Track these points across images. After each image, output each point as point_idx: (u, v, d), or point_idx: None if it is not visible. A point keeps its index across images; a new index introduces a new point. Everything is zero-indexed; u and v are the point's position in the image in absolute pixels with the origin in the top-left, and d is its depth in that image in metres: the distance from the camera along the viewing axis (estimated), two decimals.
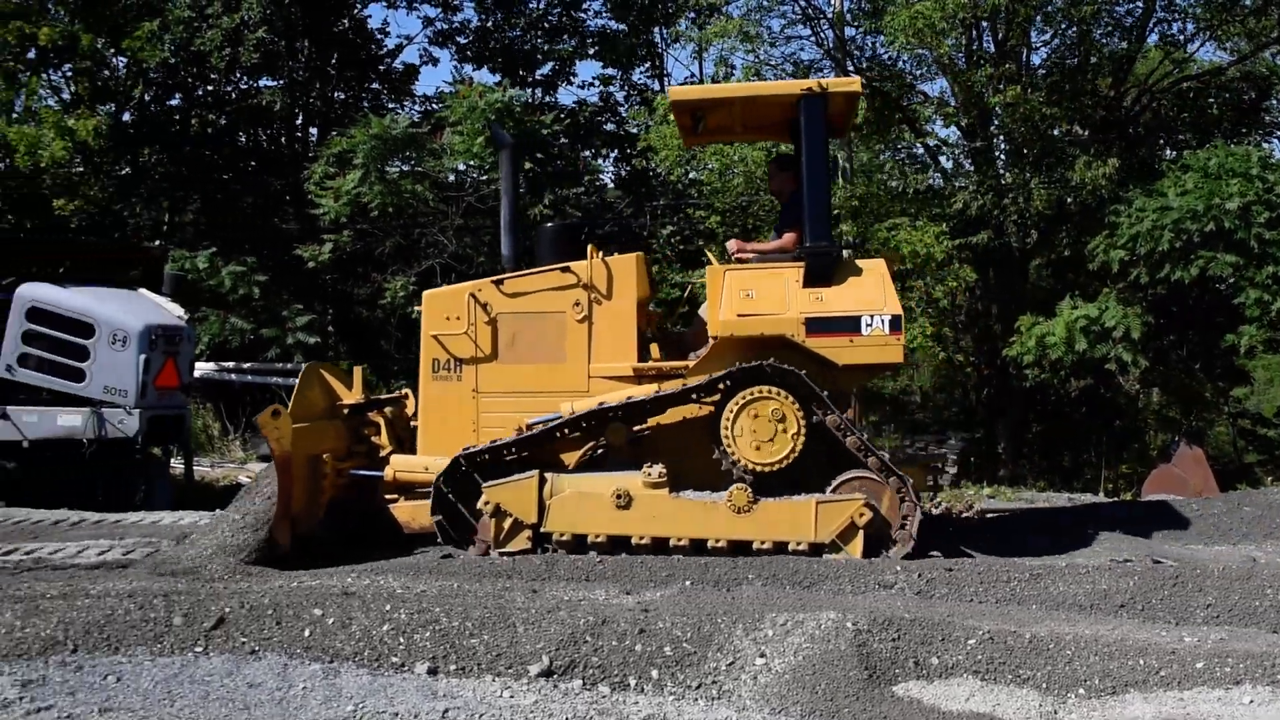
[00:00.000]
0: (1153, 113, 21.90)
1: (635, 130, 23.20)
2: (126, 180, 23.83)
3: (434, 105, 24.93)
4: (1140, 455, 21.13)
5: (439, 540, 8.74)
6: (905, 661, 5.65)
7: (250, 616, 6.39)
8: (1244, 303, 15.37)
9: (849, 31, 21.48)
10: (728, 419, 8.37)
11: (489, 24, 25.48)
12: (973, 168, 21.05)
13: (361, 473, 9.42)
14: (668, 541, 8.29)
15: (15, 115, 22.86)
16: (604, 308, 9.08)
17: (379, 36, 26.15)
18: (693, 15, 23.12)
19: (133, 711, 5.31)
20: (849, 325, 8.42)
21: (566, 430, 8.77)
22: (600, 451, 8.85)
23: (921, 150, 22.96)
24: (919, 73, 21.93)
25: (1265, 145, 21.09)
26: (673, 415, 8.86)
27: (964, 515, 12.33)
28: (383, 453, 9.62)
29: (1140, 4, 20.62)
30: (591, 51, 25.40)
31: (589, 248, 9.16)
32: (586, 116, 23.88)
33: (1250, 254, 15.09)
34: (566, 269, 9.14)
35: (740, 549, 8.22)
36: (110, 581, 7.65)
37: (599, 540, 8.38)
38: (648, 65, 26.33)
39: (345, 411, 9.66)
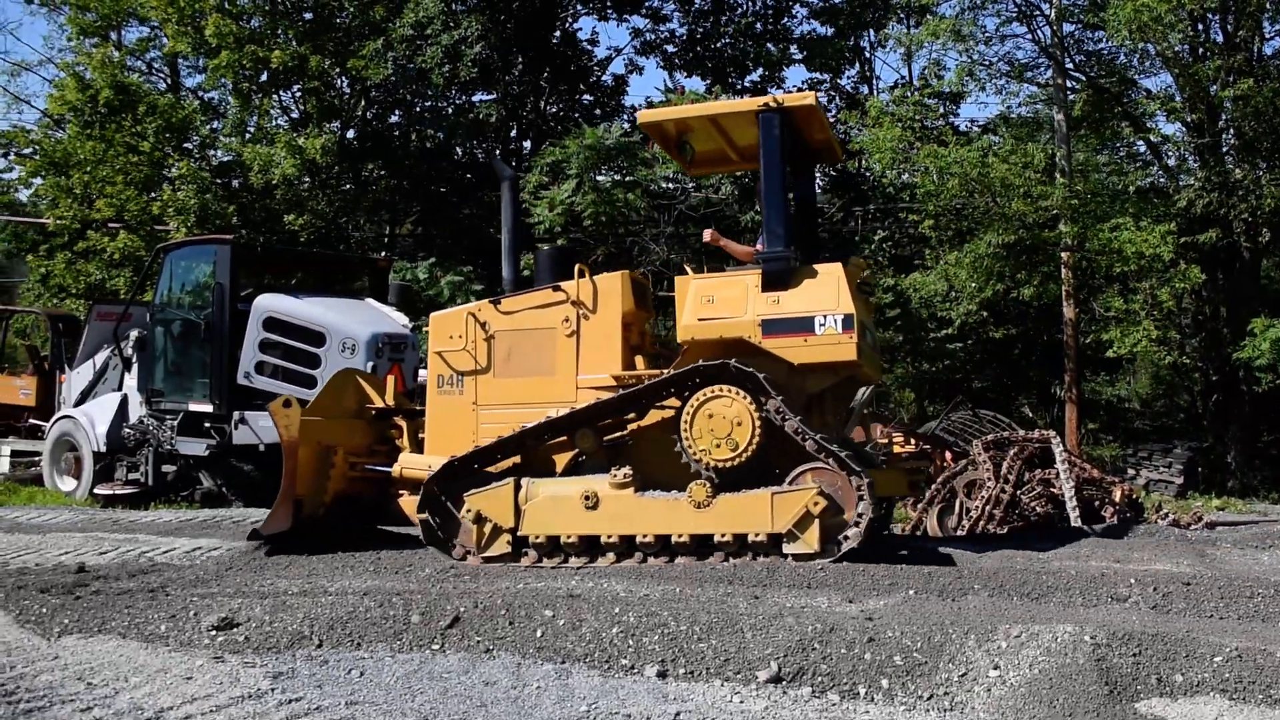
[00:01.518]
0: None
1: (847, 134, 23.02)
2: (350, 195, 24.84)
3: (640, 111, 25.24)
4: None
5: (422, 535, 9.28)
6: (1147, 678, 5.46)
7: (484, 616, 6.61)
8: None
9: (1067, 27, 20.87)
10: (686, 418, 8.65)
11: (697, 32, 25.66)
12: (1198, 164, 20.19)
13: (375, 468, 10.13)
14: (634, 539, 8.64)
15: (249, 134, 24.12)
16: (590, 322, 9.51)
17: (588, 48, 26.63)
18: (902, 16, 22.84)
19: (376, 705, 5.53)
20: (803, 325, 8.76)
21: (545, 437, 9.21)
22: (583, 458, 9.23)
23: (1143, 147, 22.14)
24: (1141, 67, 21.16)
25: None
26: (646, 421, 9.22)
27: (1192, 527, 11.87)
28: (402, 453, 10.33)
29: None
30: (799, 57, 25.34)
31: (577, 267, 9.57)
32: None
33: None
34: (557, 288, 9.61)
35: (703, 543, 8.54)
36: (345, 580, 8.03)
37: (571, 540, 8.77)
38: (856, 69, 26.11)
39: (373, 414, 10.40)
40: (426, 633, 6.53)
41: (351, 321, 13.67)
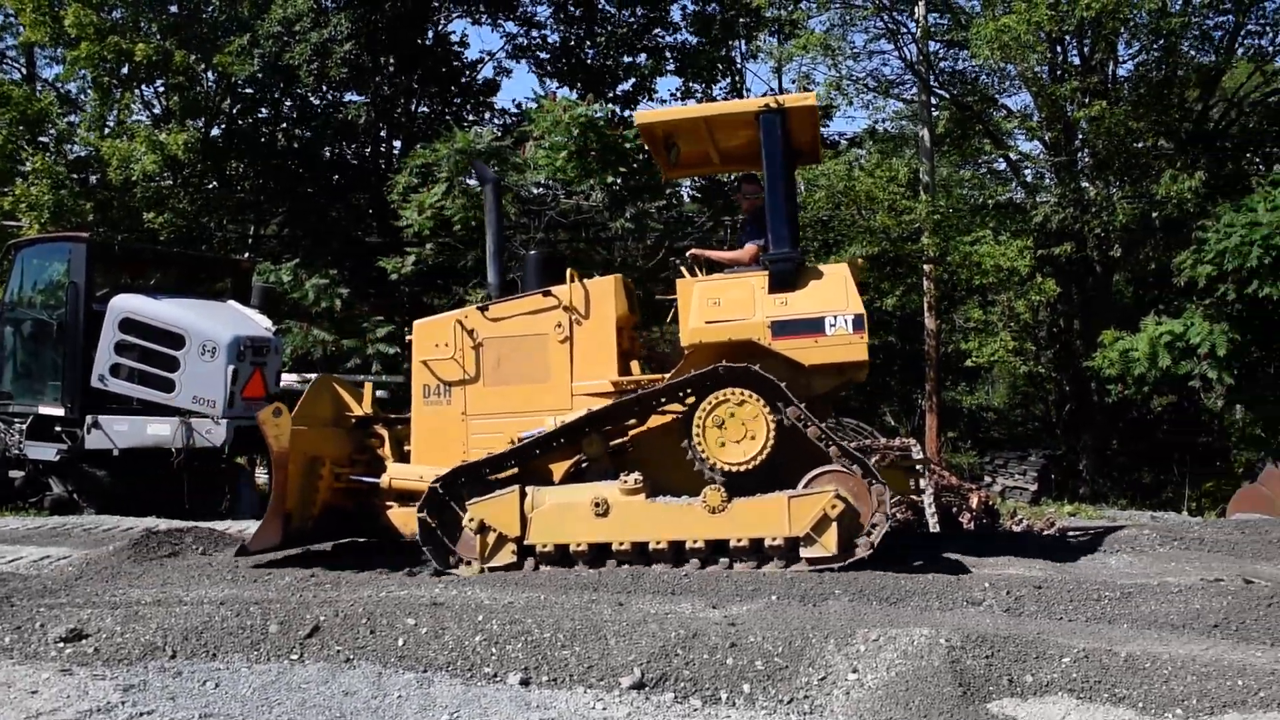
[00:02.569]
0: (1241, 126, 21.56)
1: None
2: (214, 194, 24.29)
3: (512, 118, 25.14)
4: (1225, 474, 20.79)
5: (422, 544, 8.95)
6: (999, 679, 5.61)
7: (344, 625, 6.51)
8: None
9: (932, 45, 21.37)
10: (698, 422, 8.53)
11: (570, 40, 25.68)
12: (1055, 181, 20.85)
13: (360, 478, 9.75)
14: (647, 546, 8.49)
15: (108, 130, 23.43)
16: (584, 328, 9.34)
17: (460, 51, 26.44)
18: (774, 29, 23.15)
19: (231, 717, 5.42)
20: (813, 326, 8.62)
21: (546, 445, 8.99)
22: (584, 465, 9.07)
23: (1003, 164, 22.78)
24: (1002, 86, 21.78)
25: None
26: (651, 425, 9.11)
27: (1044, 533, 12.21)
28: (385, 463, 9.96)
29: (1230, 17, 20.30)
30: (671, 67, 25.52)
31: (568, 272, 9.42)
32: None
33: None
34: (548, 293, 9.43)
35: (718, 548, 8.43)
36: (202, 589, 7.83)
37: (580, 549, 8.57)
38: (727, 81, 26.36)
39: (352, 422, 10.03)
40: (285, 642, 6.41)
41: (212, 324, 13.36)
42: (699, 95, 25.92)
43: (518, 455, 8.94)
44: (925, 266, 19.98)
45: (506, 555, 8.69)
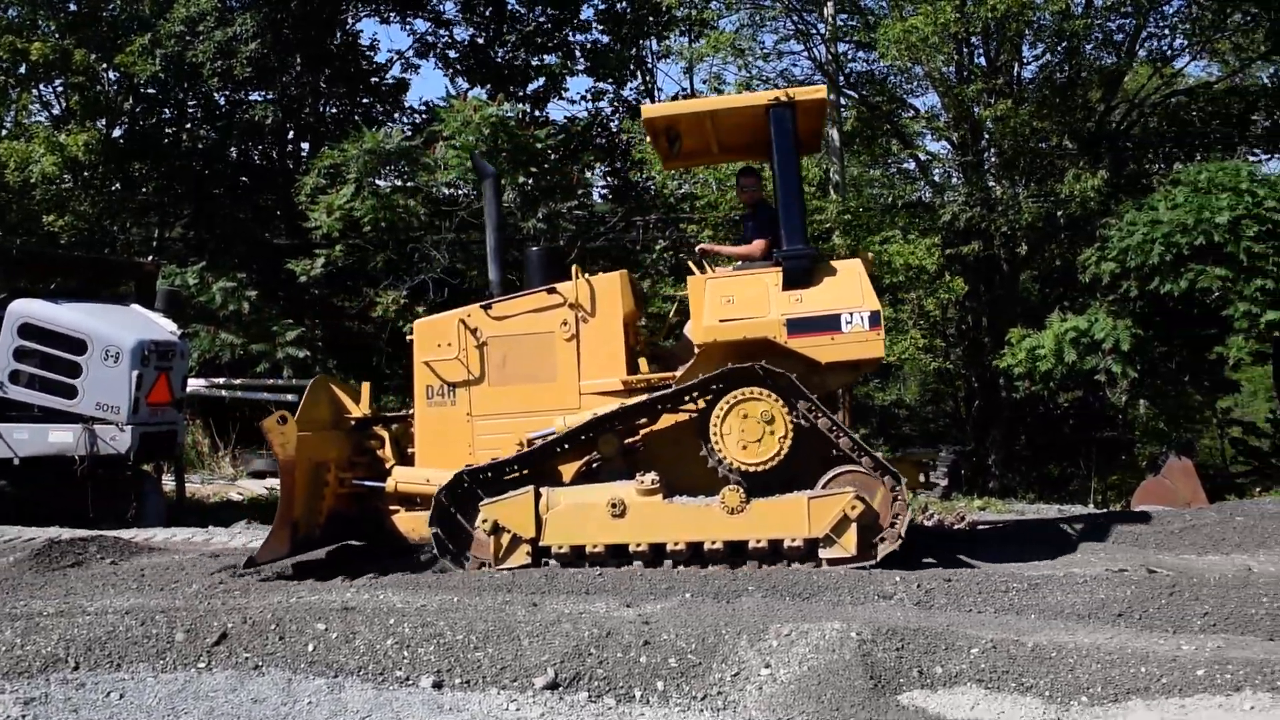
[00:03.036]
0: (1142, 127, 22.05)
1: (628, 143, 23.26)
2: (117, 195, 23.79)
3: (421, 117, 24.93)
4: (1130, 466, 21.23)
5: (435, 551, 8.81)
6: (909, 671, 5.67)
7: (253, 632, 6.40)
8: (1232, 315, 15.46)
9: (841, 46, 21.58)
10: (716, 421, 8.44)
11: (479, 39, 25.53)
12: (962, 181, 21.16)
13: (364, 483, 9.57)
14: (664, 547, 8.39)
15: (6, 130, 22.85)
16: (590, 325, 9.20)
17: (369, 53, 26.18)
18: (684, 29, 23.22)
19: None
20: (829, 324, 8.58)
21: (565, 445, 8.83)
22: (595, 465, 8.96)
23: (912, 164, 23.09)
24: (910, 87, 22.05)
25: (1252, 159, 21.21)
26: (664, 424, 8.98)
27: (955, 527, 12.36)
28: (386, 465, 9.72)
29: (1130, 20, 20.75)
30: (582, 67, 25.47)
31: (574, 268, 9.32)
32: (578, 131, 23.94)
33: (1239, 267, 15.19)
34: (552, 290, 9.29)
35: (736, 549, 8.34)
36: (107, 598, 7.66)
37: (597, 550, 8.45)
38: (639, 80, 26.40)
39: (352, 424, 9.78)
40: (192, 651, 6.30)
41: (115, 328, 13.04)
42: (610, 95, 25.93)
43: (532, 456, 8.81)
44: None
45: (521, 557, 8.57)
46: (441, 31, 26.17)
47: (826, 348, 8.59)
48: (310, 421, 9.13)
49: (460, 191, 19.44)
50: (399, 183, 19.09)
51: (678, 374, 8.98)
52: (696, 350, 8.87)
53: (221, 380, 19.44)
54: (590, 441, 8.86)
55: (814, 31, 21.17)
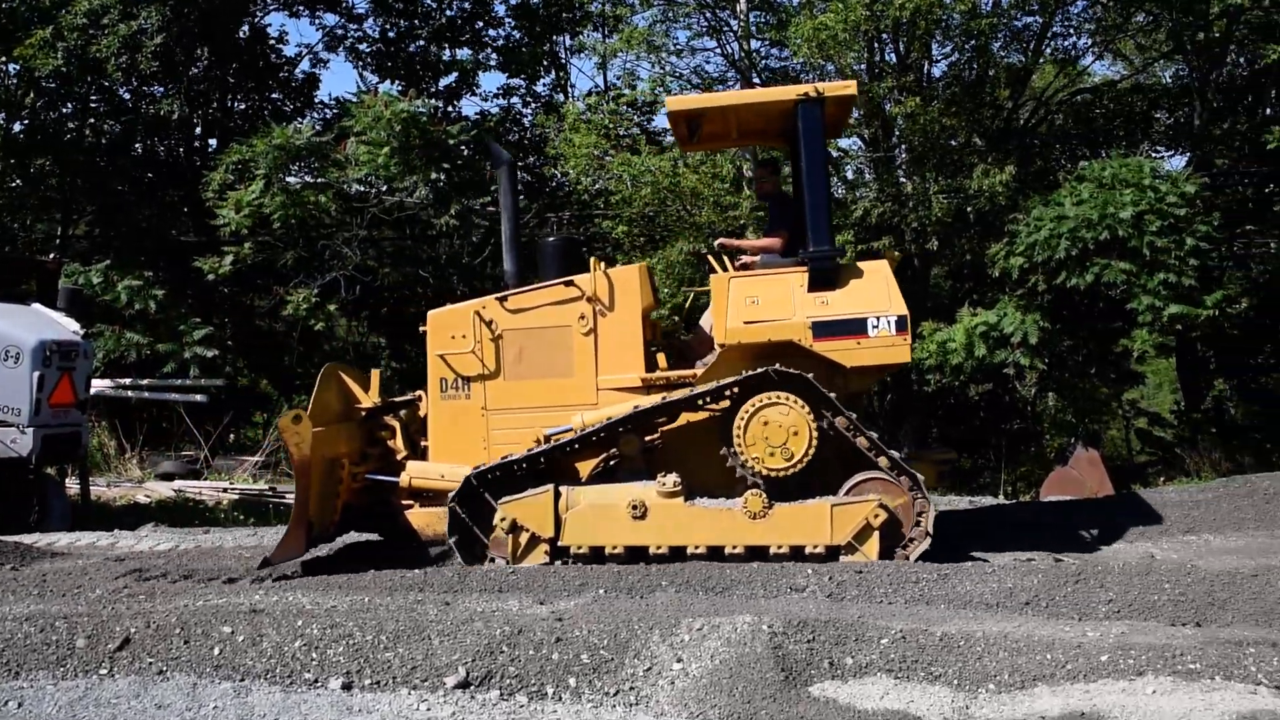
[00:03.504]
0: (1049, 124, 22.41)
1: (542, 139, 23.17)
2: (18, 192, 23.19)
3: (331, 112, 24.61)
4: (1038, 458, 21.55)
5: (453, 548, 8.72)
6: (820, 662, 5.70)
7: (157, 637, 6.27)
8: (1136, 308, 15.77)
9: (754, 43, 21.67)
10: (740, 425, 8.40)
11: (390, 33, 25.25)
12: (874, 177, 21.34)
13: (378, 477, 9.43)
14: (685, 550, 8.34)
15: None
16: (609, 319, 9.08)
17: (278, 46, 25.76)
18: (598, 22, 23.18)
19: None
20: (855, 327, 8.52)
21: (579, 443, 8.77)
22: (612, 463, 8.91)
23: None
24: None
25: (1155, 156, 21.65)
26: (682, 423, 8.93)
27: None
28: (398, 457, 9.60)
29: (1037, 20, 21.07)
30: (494, 62, 25.29)
31: (592, 260, 9.22)
32: (491, 126, 23.79)
33: (1143, 261, 15.49)
34: (570, 283, 9.16)
35: (757, 554, 8.29)
36: (5, 605, 7.46)
37: (616, 551, 8.41)
38: (552, 76, 26.28)
39: (363, 414, 9.66)
40: (93, 657, 6.16)
41: (15, 328, 12.72)
42: (522, 91, 25.77)
43: (550, 453, 8.73)
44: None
45: (539, 556, 8.49)
46: (352, 26, 25.85)
47: (853, 351, 8.54)
48: (322, 414, 8.97)
49: (372, 189, 19.22)
50: (309, 179, 18.82)
51: (697, 372, 8.96)
52: (718, 349, 8.80)
53: (128, 381, 19.02)
54: (609, 440, 8.80)
55: (726, 28, 21.25)
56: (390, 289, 20.18)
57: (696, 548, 8.30)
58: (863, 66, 20.35)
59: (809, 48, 17.54)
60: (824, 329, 8.53)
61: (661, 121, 21.13)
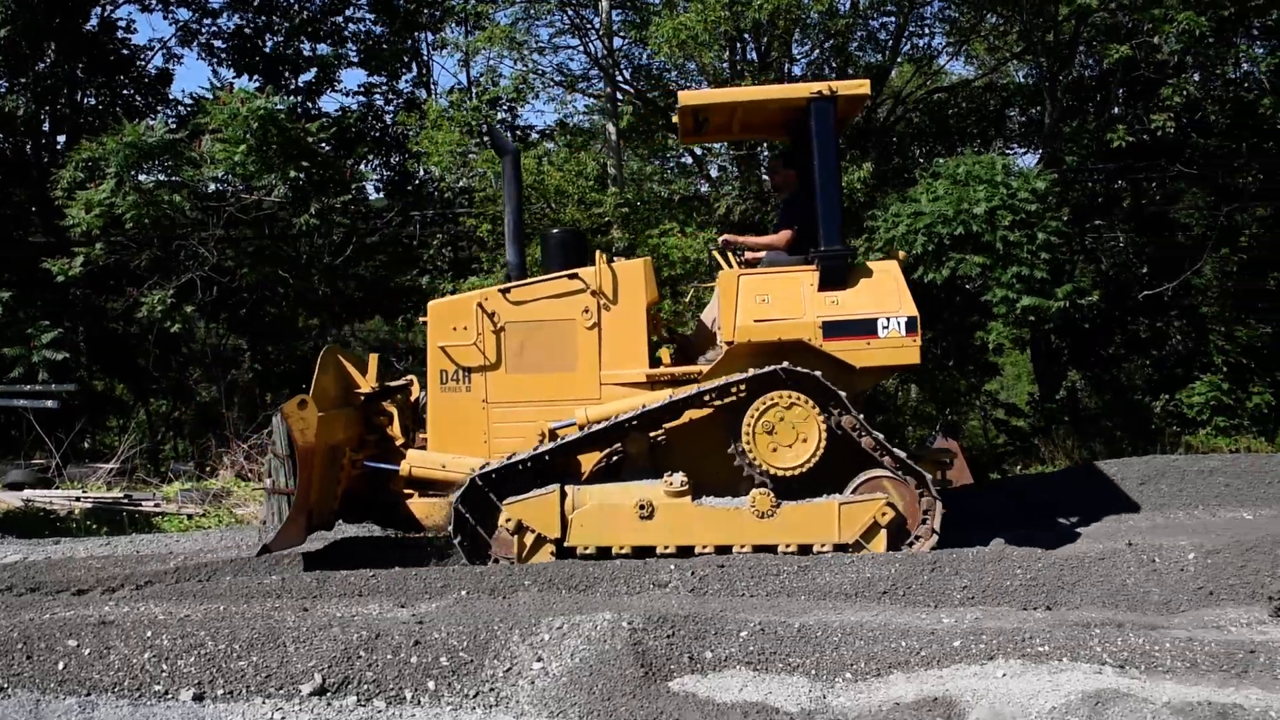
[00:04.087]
0: (906, 122, 22.84)
1: (403, 137, 22.86)
2: None
3: (186, 108, 23.95)
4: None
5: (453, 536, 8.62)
6: (680, 657, 5.73)
7: None
8: (991, 301, 16.15)
9: (617, 42, 21.67)
10: (749, 424, 8.40)
11: (247, 28, 24.66)
12: (738, 174, 21.53)
13: (377, 465, 9.31)
14: (692, 549, 8.31)
15: None
16: (613, 314, 9.05)
17: (128, 35, 24.98)
18: (460, 18, 22.95)
19: None
20: (866, 328, 8.55)
21: (583, 440, 8.72)
22: (615, 460, 8.87)
23: (689, 159, 23.37)
24: (684, 83, 22.29)
25: (1007, 153, 22.23)
26: (688, 421, 8.88)
27: None
28: (396, 444, 9.48)
29: (893, 20, 21.47)
30: (355, 58, 24.88)
31: (596, 253, 9.15)
32: (352, 124, 23.40)
33: (996, 255, 15.86)
34: (574, 275, 9.10)
35: (764, 553, 8.25)
36: None
37: (623, 551, 8.35)
38: (414, 72, 25.93)
39: (361, 399, 9.55)
40: None
41: None
42: (384, 88, 25.38)
43: (553, 451, 8.67)
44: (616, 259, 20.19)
45: (544, 556, 8.38)
46: (207, 20, 25.17)
47: (863, 352, 8.56)
48: (322, 399, 8.81)
49: (229, 187, 18.76)
50: (163, 178, 18.25)
51: (702, 369, 8.92)
52: (725, 346, 8.76)
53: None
54: (614, 436, 8.75)
55: (589, 26, 21.21)
56: (249, 290, 19.69)
57: (704, 547, 8.31)
58: (725, 65, 20.52)
59: (669, 47, 17.58)
60: (835, 329, 8.56)
61: (529, 118, 21.07)
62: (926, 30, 22.75)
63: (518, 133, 23.76)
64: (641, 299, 9.08)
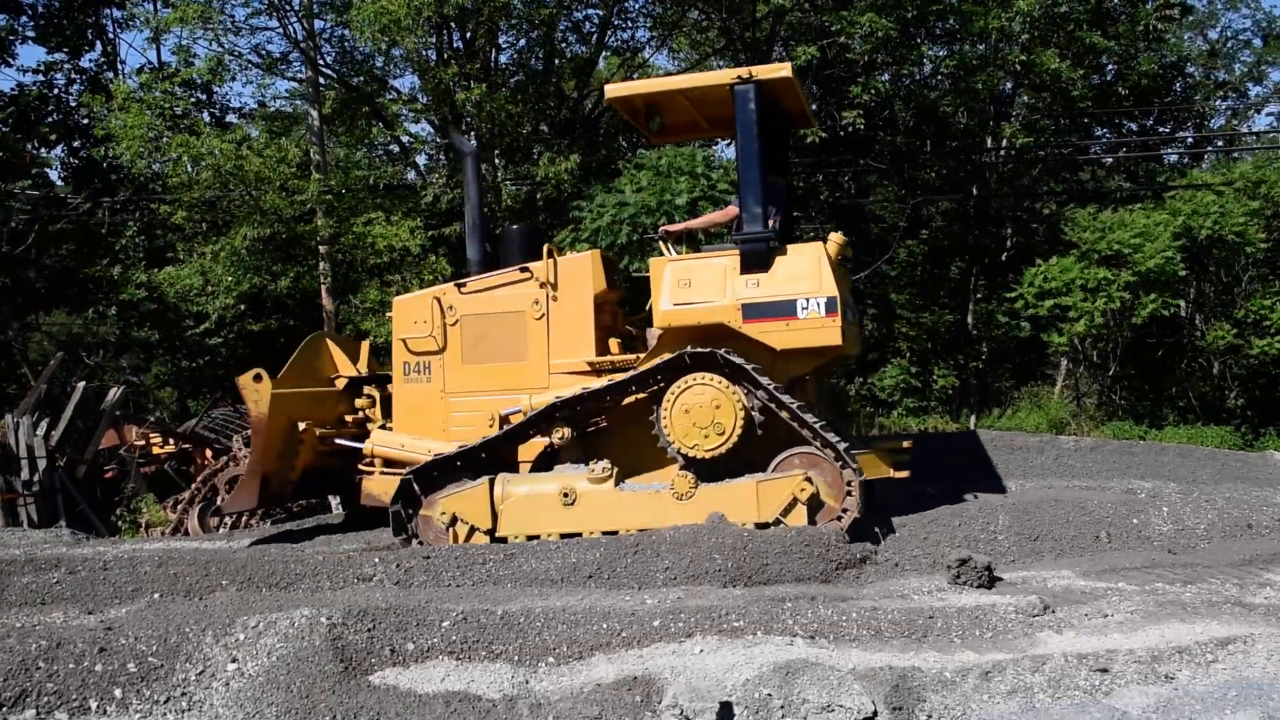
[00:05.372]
0: (612, 114, 23.21)
1: (89, 119, 21.61)
2: None
3: None
4: None
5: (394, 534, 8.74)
6: (381, 650, 5.67)
7: None
8: None
9: (318, 24, 21.11)
10: (666, 408, 8.39)
11: None
12: (446, 163, 21.39)
13: (346, 444, 9.66)
14: (617, 534, 8.22)
15: None
16: (560, 304, 9.17)
17: None
18: None
19: None
20: (785, 309, 8.47)
21: (528, 431, 8.84)
22: (553, 449, 8.87)
23: (397, 147, 23.06)
24: (389, 69, 21.97)
25: (708, 146, 22.91)
26: (622, 408, 8.87)
27: None
28: (374, 426, 9.86)
29: (598, 11, 21.75)
30: (32, 33, 23.23)
31: (546, 247, 9.25)
32: (30, 103, 21.92)
33: (699, 245, 16.32)
34: (524, 269, 9.27)
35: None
36: None
37: (551, 539, 8.27)
38: (99, 50, 24.47)
39: (344, 384, 10.01)
40: None
41: None
42: (66, 66, 23.82)
43: (487, 446, 8.76)
44: (320, 248, 19.74)
45: None
46: None
47: (782, 334, 8.48)
48: (292, 380, 9.44)
49: None
50: None
51: (641, 357, 8.88)
52: (658, 332, 8.74)
53: None
54: (549, 426, 8.76)
55: (288, 7, 20.54)
56: None
57: (628, 531, 8.27)
58: (431, 52, 20.33)
59: (370, 31, 17.26)
60: (754, 310, 8.48)
61: (233, 100, 20.22)
62: (630, 23, 23.19)
63: (214, 115, 22.85)
64: (589, 290, 9.20)
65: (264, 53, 21.32)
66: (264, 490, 9.25)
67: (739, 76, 8.77)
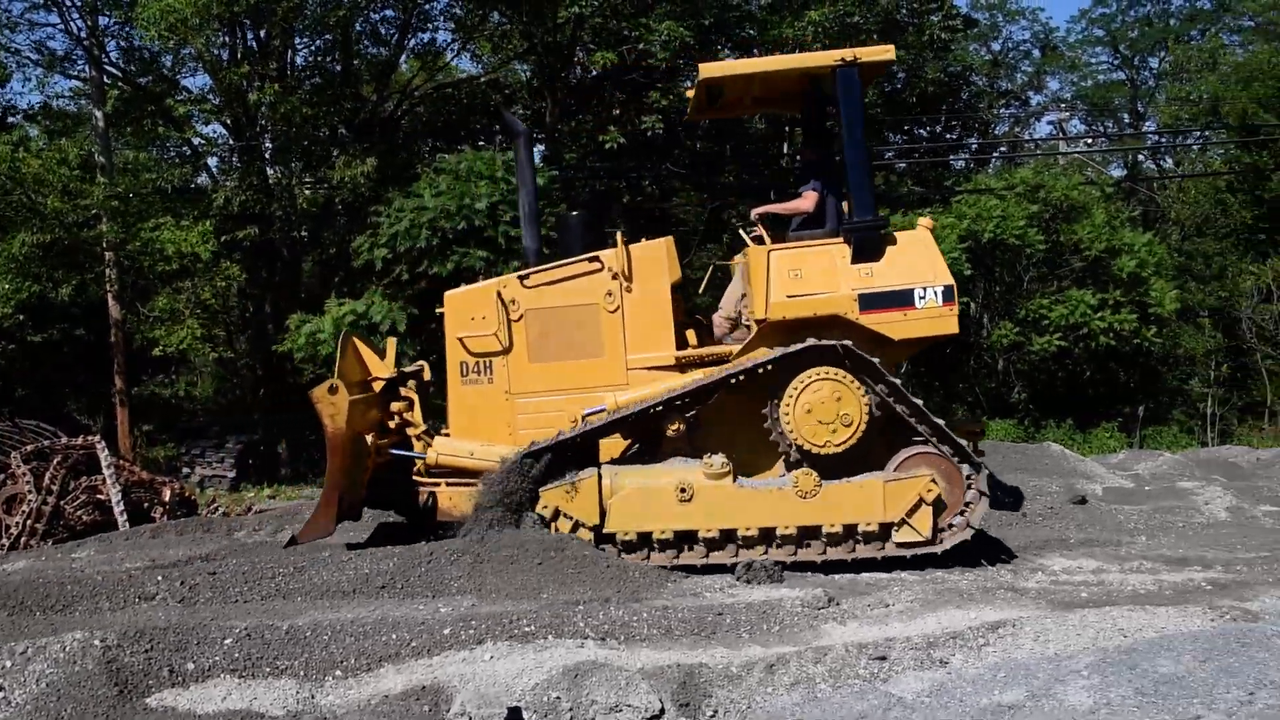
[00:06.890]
0: (413, 117, 22.97)
1: None
2: None
3: None
4: None
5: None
6: (159, 671, 5.50)
7: None
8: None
9: (102, 20, 20.26)
10: (788, 404, 8.05)
11: None
12: (238, 166, 20.82)
13: (402, 453, 8.92)
14: (735, 532, 8.03)
15: None
16: (634, 296, 8.72)
17: None
18: None
19: None
20: (902, 299, 8.25)
21: (613, 425, 8.40)
22: (638, 445, 8.55)
23: (188, 149, 22.35)
24: (177, 69, 21.28)
25: (508, 149, 22.89)
26: (723, 402, 8.46)
27: (243, 516, 12.22)
28: (416, 432, 9.05)
29: (397, 15, 21.51)
30: None
31: (617, 235, 8.82)
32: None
33: (499, 250, 16.30)
34: (594, 258, 8.78)
35: (808, 534, 8.08)
36: None
37: (665, 536, 8.04)
38: None
39: (380, 385, 9.06)
40: None
41: None
42: None
43: (586, 436, 8.32)
44: (107, 254, 18.99)
45: None
46: None
47: (899, 324, 8.28)
48: (351, 386, 8.40)
49: None
50: None
51: (732, 349, 8.56)
52: (752, 325, 8.43)
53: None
54: (647, 420, 8.36)
55: (69, 3, 19.71)
56: None
57: (747, 529, 8.01)
58: (224, 51, 19.80)
59: (156, 30, 16.70)
60: (870, 301, 8.25)
61: (17, 99, 19.23)
62: (431, 26, 23.00)
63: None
64: (665, 280, 8.81)
65: (44, 49, 20.42)
66: (340, 513, 8.52)
67: (842, 59, 8.49)
